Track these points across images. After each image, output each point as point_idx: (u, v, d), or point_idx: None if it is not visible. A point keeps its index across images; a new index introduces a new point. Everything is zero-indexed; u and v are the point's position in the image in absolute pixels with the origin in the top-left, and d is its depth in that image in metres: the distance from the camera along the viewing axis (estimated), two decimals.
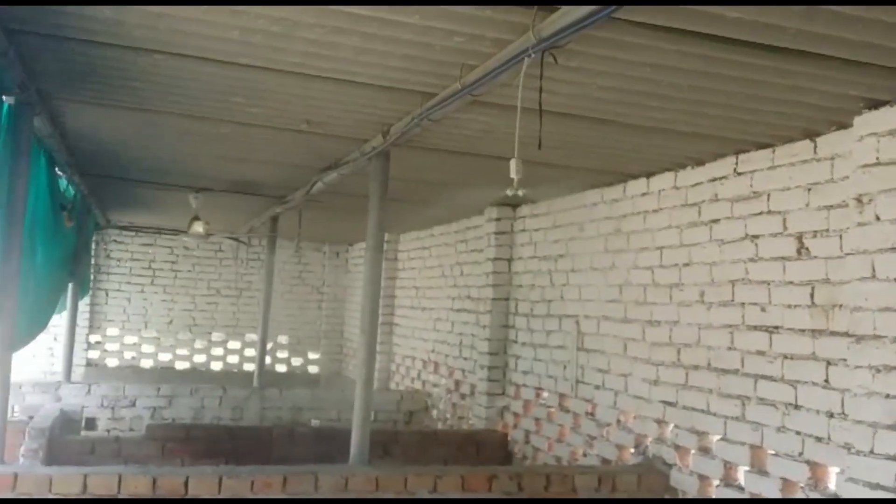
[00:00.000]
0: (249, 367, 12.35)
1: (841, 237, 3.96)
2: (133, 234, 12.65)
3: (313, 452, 6.69)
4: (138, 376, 12.13)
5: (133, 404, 8.52)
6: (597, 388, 6.05)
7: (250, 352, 12.83)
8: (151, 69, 3.84)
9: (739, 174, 4.71)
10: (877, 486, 3.44)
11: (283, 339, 13.44)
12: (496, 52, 3.19)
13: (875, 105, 3.59)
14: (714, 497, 4.77)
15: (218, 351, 13.29)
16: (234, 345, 13.31)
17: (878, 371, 3.45)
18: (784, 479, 4.22)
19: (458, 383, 8.60)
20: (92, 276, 11.88)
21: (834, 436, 3.91)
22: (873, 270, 3.53)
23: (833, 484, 3.98)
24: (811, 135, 4.19)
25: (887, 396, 3.41)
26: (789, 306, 4.27)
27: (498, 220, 7.61)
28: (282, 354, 13.51)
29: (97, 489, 4.33)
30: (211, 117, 4.78)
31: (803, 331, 4.16)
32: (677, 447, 5.10)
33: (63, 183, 6.69)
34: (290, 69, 3.69)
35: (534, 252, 7.20)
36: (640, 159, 5.21)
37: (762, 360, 4.42)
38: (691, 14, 2.74)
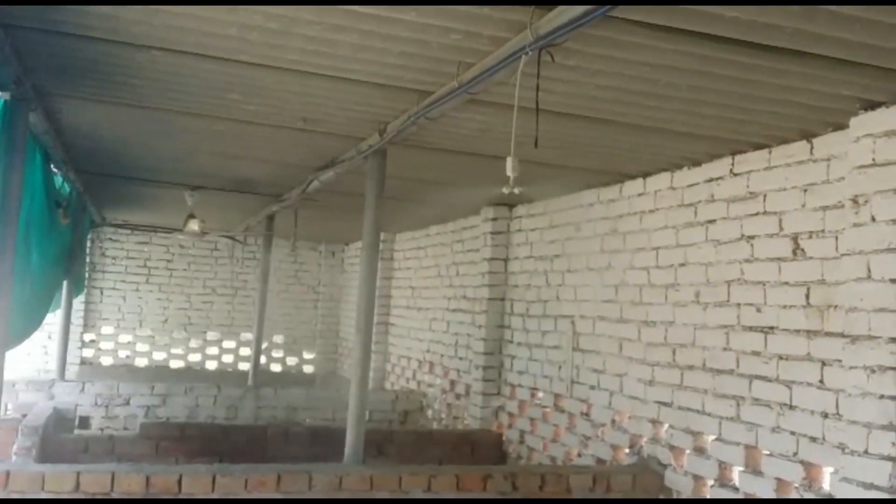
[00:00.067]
0: (244, 366, 12.32)
1: (837, 238, 3.97)
2: (128, 232, 12.63)
3: (308, 452, 6.68)
4: (133, 375, 12.11)
5: (127, 403, 8.51)
6: (592, 388, 6.05)
7: (245, 351, 12.80)
8: (148, 65, 3.83)
9: (736, 175, 4.72)
10: (871, 486, 3.44)
11: (278, 338, 13.42)
12: (493, 50, 3.18)
13: (871, 106, 3.60)
14: (708, 497, 4.78)
15: (213, 350, 13.26)
16: (229, 344, 13.29)
17: (873, 371, 3.46)
18: (779, 480, 4.22)
19: (453, 383, 8.59)
20: (87, 274, 11.84)
21: (828, 436, 3.91)
22: (869, 271, 3.54)
23: (827, 484, 3.98)
24: (807, 136, 4.20)
25: (881, 397, 3.42)
26: (785, 307, 4.27)
27: (494, 219, 7.60)
28: (277, 354, 13.50)
29: (90, 487, 4.32)
30: (207, 114, 4.77)
31: (798, 331, 4.17)
32: (672, 447, 5.10)
33: (58, 180, 6.66)
34: (288, 66, 3.68)
35: (530, 252, 7.20)
36: (636, 159, 5.21)
37: (757, 361, 4.42)
38: (689, 13, 2.74)
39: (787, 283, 4.28)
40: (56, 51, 3.69)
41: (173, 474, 4.45)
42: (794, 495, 4.15)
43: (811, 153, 4.21)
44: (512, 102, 3.08)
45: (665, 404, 5.18)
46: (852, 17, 2.71)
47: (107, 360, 12.76)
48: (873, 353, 3.47)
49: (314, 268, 13.62)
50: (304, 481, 4.60)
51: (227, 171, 6.99)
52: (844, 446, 3.61)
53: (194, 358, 13.16)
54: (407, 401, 9.26)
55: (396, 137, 4.55)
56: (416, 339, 9.87)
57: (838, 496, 3.70)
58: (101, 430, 8.23)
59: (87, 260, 11.75)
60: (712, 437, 4.76)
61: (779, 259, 4.34)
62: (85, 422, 8.33)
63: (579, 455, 6.16)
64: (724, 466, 4.65)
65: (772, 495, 4.25)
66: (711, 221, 4.89)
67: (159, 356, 12.99)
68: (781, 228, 4.35)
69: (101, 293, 12.73)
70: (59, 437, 6.81)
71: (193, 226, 8.76)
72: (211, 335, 13.23)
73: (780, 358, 4.27)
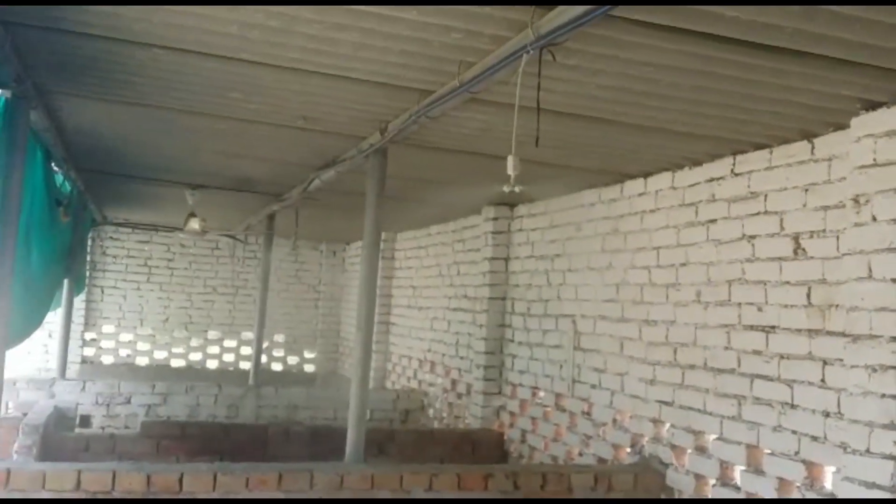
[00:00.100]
0: (245, 365, 12.32)
1: (838, 237, 3.96)
2: (129, 230, 12.63)
3: (309, 451, 6.68)
4: (133, 374, 12.11)
5: (128, 402, 8.50)
6: (593, 387, 6.05)
7: (246, 350, 12.80)
8: (149, 63, 3.82)
9: (737, 174, 4.71)
10: (873, 486, 3.44)
11: (279, 337, 13.42)
12: (494, 49, 3.18)
13: (872, 106, 3.59)
14: (710, 497, 4.77)
15: (214, 349, 13.26)
16: (230, 343, 13.29)
17: (874, 371, 3.45)
18: (780, 479, 4.22)
19: (454, 382, 8.59)
20: (88, 273, 11.85)
21: (830, 435, 3.91)
22: (870, 270, 3.53)
23: (829, 483, 3.98)
24: (808, 136, 4.19)
25: (883, 396, 3.42)
26: (786, 306, 4.27)
27: (495, 219, 7.60)
28: (278, 353, 13.50)
29: (91, 486, 4.31)
30: (208, 113, 4.77)
31: (800, 331, 4.16)
32: (673, 446, 5.10)
33: (59, 178, 6.66)
34: (289, 65, 3.68)
35: (531, 251, 7.19)
36: (637, 159, 5.21)
37: (758, 360, 4.42)
38: (690, 13, 2.74)
39: (788, 283, 4.27)
40: (57, 48, 3.69)
41: (174, 473, 4.45)
42: (795, 495, 4.14)
43: (812, 153, 4.20)
44: (513, 102, 3.08)
45: (666, 403, 5.18)
46: (853, 17, 2.70)
47: (108, 359, 12.76)
48: (874, 353, 3.46)
49: (315, 267, 13.62)
50: (305, 480, 4.59)
51: (228, 170, 6.99)
52: (846, 445, 3.60)
53: (195, 357, 13.16)
54: (408, 400, 9.25)
55: (397, 136, 4.55)
56: (417, 339, 9.87)
57: (840, 496, 3.70)
58: (102, 428, 8.23)
59: (88, 258, 11.76)
60: (714, 436, 4.75)
61: (780, 259, 4.34)
62: (86, 420, 8.33)
63: (580, 454, 6.15)
64: (725, 466, 4.65)
65: (773, 495, 4.25)
66: (712, 221, 4.89)
67: (160, 355, 12.99)
68: (782, 228, 4.34)
69: (102, 292, 12.74)
70: (59, 436, 6.81)
71: (194, 225, 8.76)
72: (212, 334, 13.23)
73: (782, 357, 4.26)
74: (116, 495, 4.32)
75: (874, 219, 3.53)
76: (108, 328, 12.80)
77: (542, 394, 6.86)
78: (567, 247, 6.58)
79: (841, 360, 3.76)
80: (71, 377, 9.91)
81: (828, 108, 3.73)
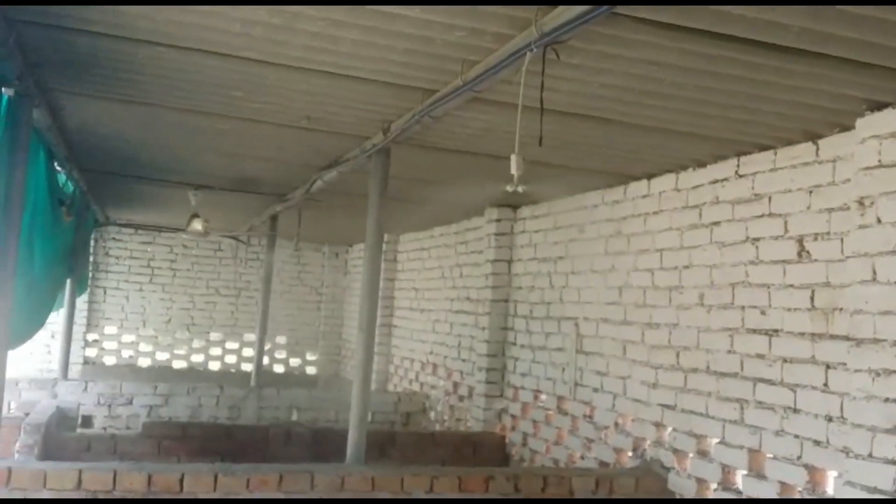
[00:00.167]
0: (247, 367, 12.31)
1: (842, 240, 3.94)
2: (132, 231, 12.65)
3: (310, 452, 6.67)
4: (135, 375, 12.12)
5: (130, 402, 8.50)
6: (595, 390, 6.03)
7: (248, 352, 12.81)
8: (152, 62, 3.82)
9: (741, 176, 4.70)
10: (875, 490, 3.41)
11: (281, 339, 13.42)
12: (497, 48, 3.17)
13: (877, 107, 3.57)
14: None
15: (216, 350, 13.27)
16: (232, 345, 13.30)
17: (878, 375, 3.43)
18: (782, 483, 4.20)
19: (456, 385, 8.57)
20: (90, 274, 11.86)
21: (833, 439, 3.89)
22: (874, 273, 3.51)
23: (831, 488, 3.96)
24: (813, 137, 4.18)
25: (886, 400, 3.39)
26: (789, 309, 4.25)
27: (498, 221, 7.59)
28: (280, 355, 13.50)
29: (92, 485, 4.31)
30: (211, 112, 4.77)
31: (803, 334, 4.14)
32: (675, 450, 5.07)
33: (62, 178, 6.66)
34: (292, 63, 3.67)
35: (533, 254, 7.18)
36: (641, 160, 5.20)
37: (761, 364, 4.40)
38: (694, 11, 2.73)
39: (791, 286, 4.25)
40: (59, 46, 3.69)
41: (175, 473, 4.44)
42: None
43: (817, 154, 4.18)
44: (516, 102, 3.07)
45: (668, 407, 5.16)
46: (859, 17, 2.69)
47: (110, 360, 12.78)
48: (878, 356, 3.44)
49: (317, 269, 13.62)
50: (306, 481, 4.58)
51: (231, 171, 6.99)
52: (849, 450, 3.58)
53: (197, 358, 13.16)
54: (410, 402, 9.24)
55: (400, 136, 4.54)
56: (420, 341, 9.86)
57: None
58: (104, 429, 8.23)
59: (91, 259, 11.77)
60: (716, 440, 4.73)
61: (784, 261, 4.32)
62: (87, 421, 8.33)
63: (582, 458, 6.13)
64: (727, 470, 4.63)
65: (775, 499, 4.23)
66: (716, 223, 4.87)
67: (162, 356, 13.00)
68: (786, 230, 4.33)
69: (105, 293, 12.75)
70: (61, 436, 6.81)
71: (197, 226, 8.76)
72: (214, 335, 13.23)
73: (785, 361, 4.24)
74: (117, 495, 4.32)
75: (879, 221, 3.51)
76: (110, 329, 12.81)
77: (543, 397, 6.84)
78: (570, 249, 6.57)
79: (844, 363, 3.74)
80: (73, 378, 9.91)
81: (833, 109, 3.71)
